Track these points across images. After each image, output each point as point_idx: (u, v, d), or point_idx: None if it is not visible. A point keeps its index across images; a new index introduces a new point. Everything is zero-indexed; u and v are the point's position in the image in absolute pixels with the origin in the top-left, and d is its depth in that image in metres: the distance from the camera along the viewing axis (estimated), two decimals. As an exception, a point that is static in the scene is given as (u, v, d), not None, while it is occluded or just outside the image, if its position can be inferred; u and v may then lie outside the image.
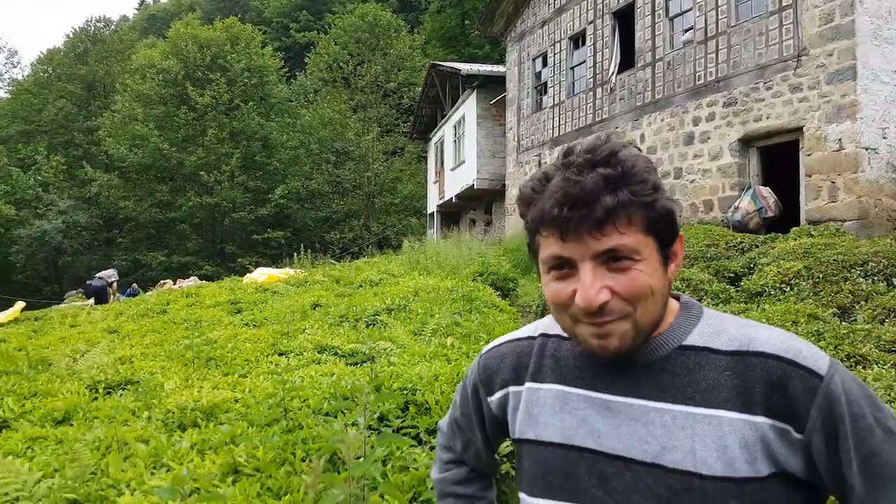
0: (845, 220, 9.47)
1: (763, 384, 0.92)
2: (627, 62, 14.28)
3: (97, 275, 18.86)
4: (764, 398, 0.91)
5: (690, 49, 12.52)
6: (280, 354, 6.60)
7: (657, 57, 13.38)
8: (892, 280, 6.27)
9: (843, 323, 5.45)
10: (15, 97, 41.29)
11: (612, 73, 14.46)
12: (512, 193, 19.20)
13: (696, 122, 12.39)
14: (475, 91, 21.17)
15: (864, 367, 4.36)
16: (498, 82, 20.51)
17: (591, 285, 0.92)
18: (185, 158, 33.03)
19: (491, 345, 1.25)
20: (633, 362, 1.01)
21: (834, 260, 6.73)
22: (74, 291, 21.78)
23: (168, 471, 3.69)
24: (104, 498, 3.39)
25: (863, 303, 5.90)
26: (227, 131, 33.61)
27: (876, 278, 6.32)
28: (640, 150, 0.99)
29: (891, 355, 4.50)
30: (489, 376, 1.19)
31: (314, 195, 35.99)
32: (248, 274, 16.55)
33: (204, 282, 18.85)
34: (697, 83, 12.38)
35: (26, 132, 39.45)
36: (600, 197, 0.90)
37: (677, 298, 1.08)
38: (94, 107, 40.01)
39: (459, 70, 21.75)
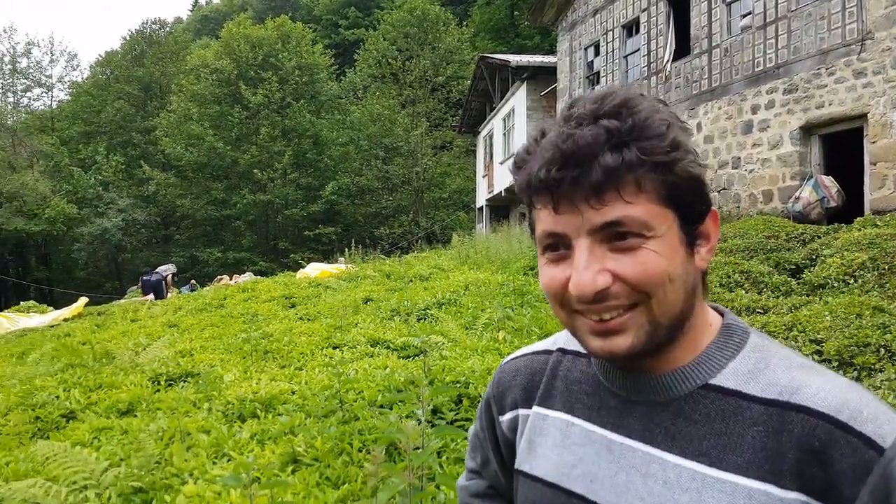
0: (913, 209, 9.07)
1: (800, 449, 0.70)
2: (683, 50, 13.95)
3: (154, 270, 19.42)
4: (799, 468, 0.70)
5: (749, 35, 12.15)
6: (334, 348, 6.69)
7: (714, 44, 13.03)
8: (967, 271, 5.96)
9: None
10: (75, 99, 42.83)
11: (667, 61, 14.14)
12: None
13: (754, 109, 12.03)
14: (525, 83, 21.00)
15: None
16: (548, 73, 20.29)
17: (585, 266, 0.73)
18: (238, 157, 33.75)
19: (510, 356, 1.07)
20: (649, 391, 0.82)
21: None
22: (135, 287, 22.48)
23: (229, 460, 3.76)
24: (168, 486, 3.48)
25: (935, 295, 5.63)
26: (280, 129, 34.19)
27: (949, 269, 6.03)
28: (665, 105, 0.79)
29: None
30: (501, 393, 1.03)
31: (364, 191, 36.35)
32: (300, 269, 16.83)
33: (259, 277, 19.23)
34: (756, 70, 12.00)
35: (87, 133, 40.90)
36: (599, 154, 0.71)
37: (721, 314, 0.87)
38: (150, 107, 41.21)
39: (509, 62, 21.60)
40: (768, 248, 8.26)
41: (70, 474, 3.43)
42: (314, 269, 15.70)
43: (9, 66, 39.43)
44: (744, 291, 6.41)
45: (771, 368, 0.78)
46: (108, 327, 10.66)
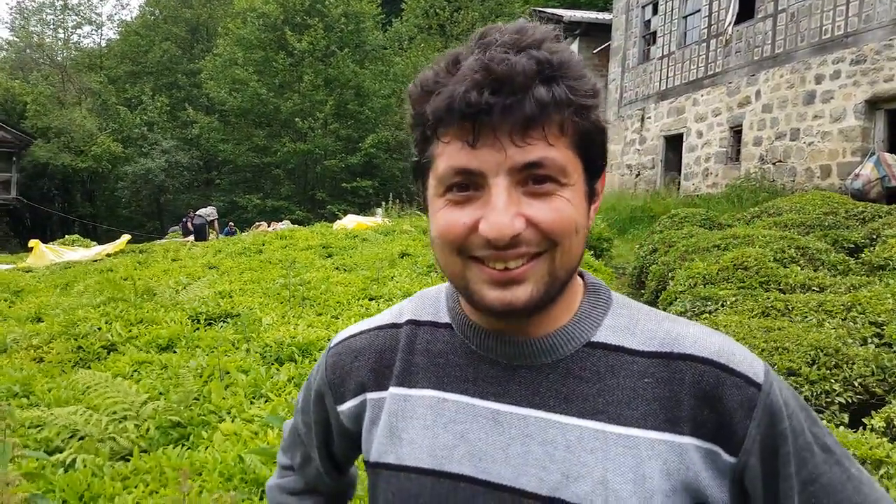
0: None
1: (692, 395, 0.71)
2: (746, 12, 13.37)
3: (197, 213, 19.62)
4: (692, 413, 0.71)
5: (818, 0, 11.54)
6: (370, 299, 6.66)
7: (780, 8, 12.44)
8: None
9: None
10: (124, 38, 43.02)
11: (729, 24, 13.57)
12: (610, 149, 18.38)
13: (818, 80, 11.51)
14: (577, 39, 20.43)
15: None
16: (602, 30, 19.69)
17: (504, 209, 0.67)
18: (281, 104, 33.66)
19: (341, 335, 0.93)
20: (533, 354, 0.76)
21: None
22: (176, 227, 22.81)
23: (266, 401, 3.74)
24: (206, 423, 3.47)
25: None
26: (322, 78, 33.93)
27: None
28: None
29: None
30: (339, 378, 0.89)
31: (403, 146, 36.09)
32: (337, 220, 16.85)
33: (296, 226, 19.34)
34: (823, 38, 11.46)
35: (133, 73, 41.15)
36: (532, 86, 0.65)
37: (581, 276, 0.83)
38: (197, 50, 41.23)
39: (562, 17, 20.97)
40: (826, 224, 7.97)
41: (110, 404, 3.44)
42: (351, 221, 15.71)
43: (60, 2, 39.72)
44: (799, 268, 6.20)
45: (643, 322, 0.78)
46: (149, 265, 10.81)
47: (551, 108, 0.66)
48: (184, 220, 19.39)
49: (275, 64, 33.73)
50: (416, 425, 0.80)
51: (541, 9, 24.45)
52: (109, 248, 13.86)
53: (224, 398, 3.70)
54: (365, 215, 18.91)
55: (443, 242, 0.72)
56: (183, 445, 3.25)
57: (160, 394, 3.80)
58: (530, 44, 0.67)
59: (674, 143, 15.76)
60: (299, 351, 4.64)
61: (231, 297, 6.77)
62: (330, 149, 33.88)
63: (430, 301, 0.89)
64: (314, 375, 0.95)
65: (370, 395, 0.86)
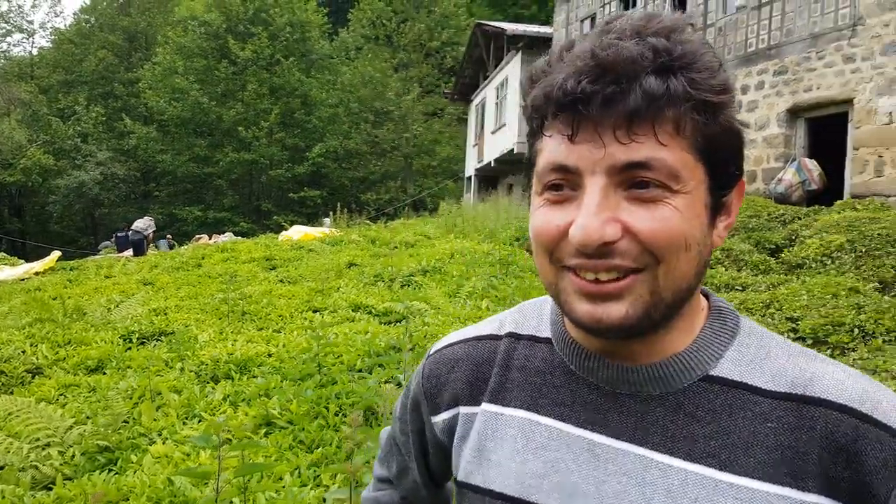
0: (890, 195, 9.21)
1: (824, 447, 0.62)
2: (679, 26, 13.81)
3: (133, 227, 19.05)
4: (822, 468, 0.62)
5: (743, 14, 12.08)
6: (314, 311, 6.59)
7: (709, 22, 12.94)
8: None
9: (885, 297, 5.36)
10: (57, 47, 41.53)
11: (663, 37, 14.00)
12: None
13: (744, 90, 12.01)
14: (520, 52, 20.68)
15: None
16: (544, 44, 19.96)
17: (596, 212, 0.60)
18: (223, 113, 33.08)
19: (441, 343, 0.88)
20: (640, 382, 0.68)
21: (878, 234, 6.69)
22: (108, 242, 22.11)
23: (200, 421, 3.65)
24: (136, 446, 3.36)
25: (905, 278, 5.83)
26: (267, 87, 33.52)
27: (920, 253, 6.20)
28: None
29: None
30: (435, 388, 0.84)
31: (352, 155, 35.90)
32: (283, 231, 16.63)
33: (239, 238, 18.99)
34: (748, 50, 11.98)
35: (67, 82, 39.73)
36: (642, 75, 0.58)
37: (706, 297, 0.75)
38: (135, 58, 40.18)
39: (505, 30, 21.21)
40: (750, 226, 8.39)
41: (33, 431, 3.30)
42: (297, 232, 15.50)
43: (-11, 10, 38.26)
44: (723, 268, 6.51)
45: (773, 357, 0.68)
46: (80, 283, 10.43)
47: (663, 102, 0.59)
48: (119, 234, 18.78)
49: (217, 73, 33.19)
50: (506, 447, 0.74)
51: (484, 22, 24.74)
52: (38, 265, 13.30)
53: (155, 420, 3.60)
54: (313, 226, 18.71)
55: (536, 245, 0.67)
56: (110, 471, 3.14)
57: (87, 418, 3.67)
58: (654, 31, 0.60)
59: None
60: (237, 368, 4.55)
61: (166, 314, 6.59)
62: (276, 158, 33.45)
63: (533, 313, 0.83)
64: (412, 383, 0.90)
65: (463, 409, 0.81)
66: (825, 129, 10.94)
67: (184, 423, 3.64)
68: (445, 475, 0.92)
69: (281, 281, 8.73)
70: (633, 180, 0.60)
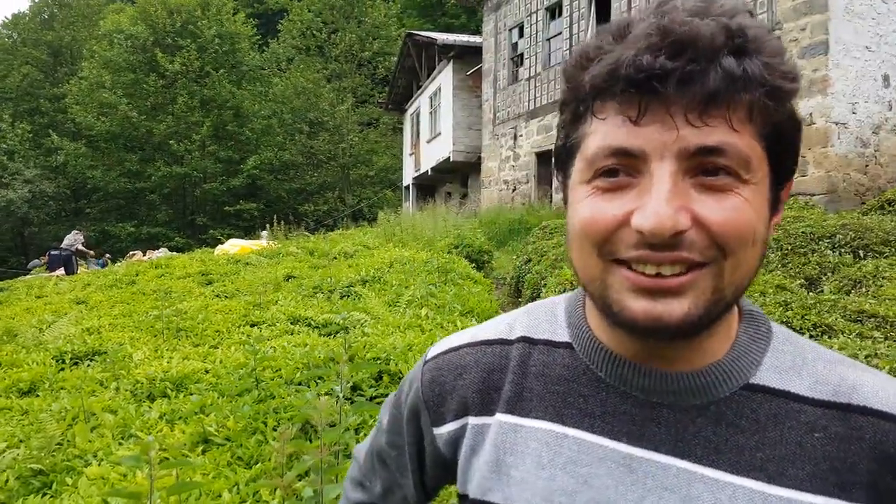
0: (814, 194, 9.58)
1: (873, 458, 0.60)
2: (604, 35, 14.22)
3: (62, 244, 18.46)
4: (872, 479, 0.59)
5: (668, 21, 12.53)
6: (252, 325, 6.57)
7: (631, 30, 13.38)
8: (858, 252, 6.40)
9: (811, 294, 5.55)
10: (-23, 63, 40.05)
11: (588, 46, 14.39)
12: (488, 166, 19.15)
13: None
14: (451, 62, 20.96)
15: (829, 337, 4.46)
16: (474, 53, 20.32)
17: (668, 198, 0.55)
18: (154, 127, 32.37)
19: (439, 347, 0.82)
20: (680, 391, 0.65)
21: (802, 232, 6.85)
22: (38, 261, 21.35)
23: (136, 441, 3.65)
24: (70, 468, 3.36)
25: (829, 274, 6.04)
26: (198, 99, 32.96)
27: (843, 250, 6.46)
28: None
29: (855, 325, 4.62)
30: (438, 396, 0.77)
31: (287, 166, 35.58)
32: (219, 245, 16.40)
33: (174, 253, 18.62)
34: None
35: (-10, 98, 38.35)
36: (721, 55, 0.55)
37: None
38: (60, 73, 38.94)
39: (435, 40, 21.47)
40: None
41: (-38, 457, 3.26)
42: (234, 246, 15.32)
43: None
44: None
45: (810, 364, 0.66)
46: (10, 303, 10.11)
47: (741, 85, 0.55)
48: (52, 252, 18.16)
49: (145, 86, 32.48)
50: (529, 462, 0.68)
51: (415, 32, 24.96)
52: (-36, 288, 12.83)
53: (90, 441, 3.59)
54: (249, 239, 18.51)
55: (583, 238, 0.61)
56: (45, 494, 3.13)
57: (20, 441, 3.63)
58: (720, 12, 0.57)
59: (545, 159, 16.46)
60: (172, 385, 4.54)
61: (100, 333, 6.49)
62: (209, 171, 32.90)
63: (545, 316, 0.78)
64: (405, 391, 0.82)
65: (472, 420, 0.74)
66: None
67: (120, 444, 3.64)
68: (436, 492, 0.85)
69: (217, 296, 8.66)
70: (703, 167, 0.57)
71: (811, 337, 4.67)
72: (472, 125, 20.68)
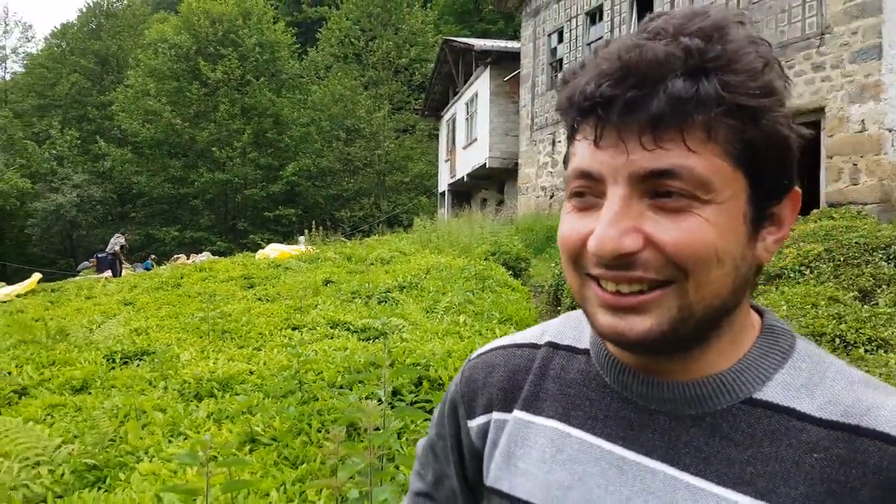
0: (866, 203, 9.29)
1: (876, 484, 0.56)
2: (645, 40, 14.09)
3: (107, 248, 18.98)
4: None
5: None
6: (293, 329, 6.67)
7: (676, 34, 13.21)
8: (913, 263, 6.22)
9: (865, 306, 5.39)
10: (29, 71, 41.55)
11: (629, 51, 14.27)
12: (525, 172, 19.11)
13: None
14: (488, 68, 20.98)
15: (886, 352, 4.33)
16: (512, 59, 20.32)
17: (614, 221, 0.57)
18: (196, 134, 33.11)
19: (484, 348, 0.88)
20: (676, 400, 0.65)
21: (855, 243, 6.64)
22: (87, 263, 21.95)
23: (185, 439, 3.74)
24: (123, 464, 3.45)
25: (884, 287, 5.85)
26: (239, 107, 33.59)
27: (898, 262, 6.27)
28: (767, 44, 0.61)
29: (912, 339, 4.48)
30: (472, 391, 0.83)
31: (325, 173, 35.99)
32: (260, 250, 16.67)
33: (217, 257, 18.98)
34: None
35: (41, 106, 39.64)
36: (668, 77, 0.55)
37: (760, 314, 0.71)
38: (107, 81, 40.10)
39: (472, 46, 21.52)
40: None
41: (22, 450, 3.38)
42: (274, 250, 15.57)
43: (-40, 36, 37.93)
44: None
45: (828, 382, 0.63)
46: (62, 304, 10.43)
47: (691, 107, 0.55)
48: (99, 255, 18.69)
49: (189, 94, 33.22)
50: (534, 456, 0.72)
51: (452, 38, 25.06)
52: (19, 288, 13.27)
53: (141, 438, 3.68)
54: (288, 244, 18.77)
55: (562, 253, 0.64)
56: (99, 488, 3.22)
57: (75, 437, 3.74)
58: (693, 31, 0.57)
59: (585, 165, 16.38)
60: (219, 386, 4.63)
61: (147, 333, 6.65)
62: (250, 178, 33.47)
63: (575, 323, 0.80)
64: (451, 388, 0.87)
65: (496, 415, 0.79)
66: (798, 139, 11.22)
67: (169, 441, 3.73)
68: (480, 484, 0.84)
69: (259, 299, 8.80)
70: (658, 189, 0.57)
71: (866, 351, 4.53)
72: (508, 131, 20.65)
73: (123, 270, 17.62)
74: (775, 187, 0.62)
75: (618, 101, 0.56)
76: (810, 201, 10.33)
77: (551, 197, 17.65)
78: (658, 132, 0.56)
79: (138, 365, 5.50)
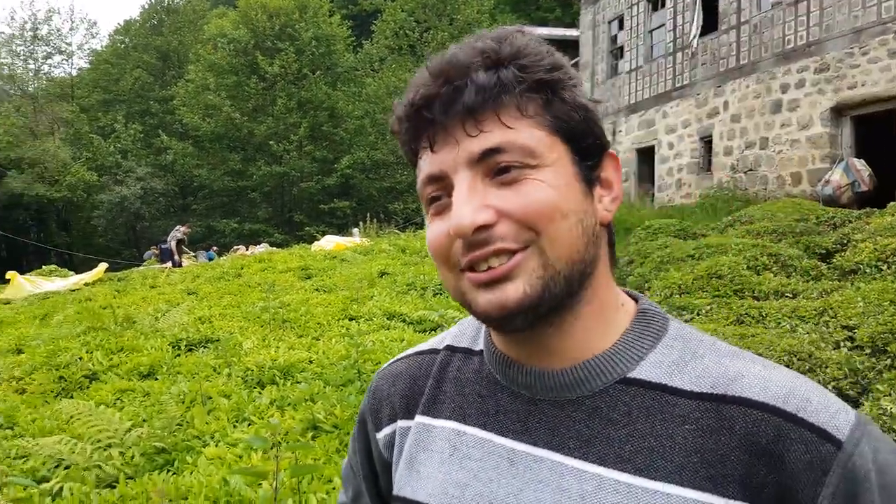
0: None
1: (744, 449, 0.59)
2: (710, 25, 13.66)
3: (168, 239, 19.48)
4: (744, 472, 0.58)
5: (779, 11, 11.89)
6: (350, 319, 6.71)
7: (743, 19, 12.76)
8: None
9: None
10: (95, 67, 42.95)
11: (694, 37, 13.86)
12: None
13: (784, 89, 11.80)
14: (545, 57, 20.72)
15: None
16: (570, 47, 20.00)
17: (465, 200, 0.61)
18: (255, 128, 33.73)
19: (391, 360, 0.89)
20: (558, 387, 0.67)
21: None
22: (151, 252, 22.61)
23: (249, 424, 3.79)
24: (190, 448, 3.51)
25: None
26: (296, 101, 34.07)
27: None
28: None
29: None
30: (378, 403, 0.83)
31: (379, 165, 36.21)
32: (315, 242, 16.88)
33: (274, 248, 19.32)
34: (786, 48, 11.75)
35: (106, 101, 41.04)
36: (472, 72, 0.62)
37: (636, 300, 0.74)
38: (168, 76, 41.21)
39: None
40: (797, 231, 8.08)
41: (94, 433, 3.47)
42: (329, 242, 15.74)
43: (30, 33, 39.43)
44: (772, 275, 6.29)
45: (699, 358, 0.65)
46: (128, 293, 10.76)
47: (497, 91, 0.61)
48: (163, 246, 19.21)
49: (247, 88, 33.83)
50: (434, 458, 0.73)
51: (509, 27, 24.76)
52: (87, 277, 13.75)
53: (207, 423, 3.74)
54: (343, 236, 18.96)
55: (433, 257, 0.67)
56: (168, 471, 3.28)
57: (143, 421, 3.83)
58: (484, 41, 0.64)
59: (646, 156, 16.02)
60: (280, 373, 4.69)
61: (211, 322, 6.79)
62: (306, 171, 33.93)
63: (473, 327, 0.82)
64: (364, 400, 0.88)
65: (400, 424, 0.80)
66: (873, 128, 10.59)
67: (234, 427, 3.78)
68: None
69: (317, 290, 8.90)
70: (495, 167, 0.62)
71: None
72: (566, 122, 20.33)
73: (185, 261, 18.05)
74: (592, 147, 0.67)
75: (437, 99, 0.62)
76: (887, 193, 9.88)
77: (609, 188, 17.32)
78: (476, 118, 0.62)
79: (203, 352, 5.61)
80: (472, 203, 0.61)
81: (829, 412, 0.58)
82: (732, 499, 0.58)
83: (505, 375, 0.72)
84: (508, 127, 0.62)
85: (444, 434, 0.74)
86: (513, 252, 0.62)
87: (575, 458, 0.64)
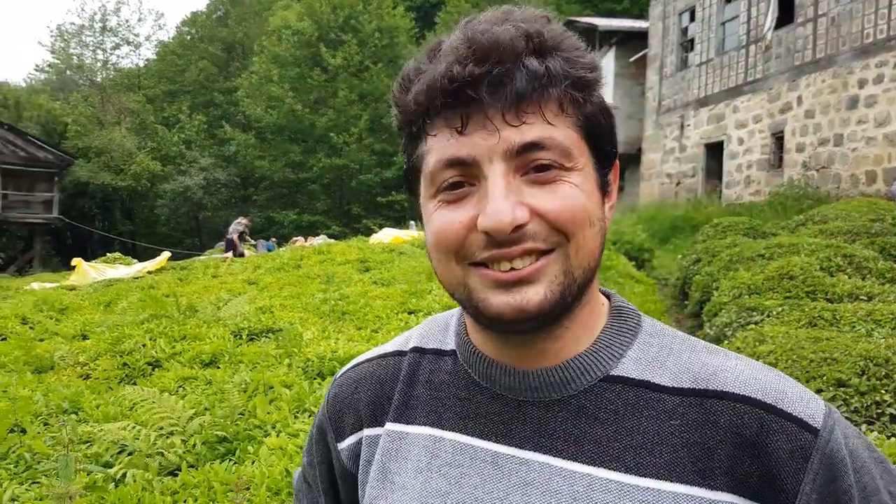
0: None
1: (729, 442, 0.60)
2: (786, 17, 13.15)
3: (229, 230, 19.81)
4: (730, 464, 0.59)
5: (858, 4, 11.35)
6: (409, 313, 6.65)
7: (820, 12, 12.21)
8: None
9: None
10: (161, 58, 44.15)
11: (768, 30, 13.34)
12: (649, 158, 18.39)
13: (861, 84, 11.25)
14: (613, 48, 20.30)
15: None
16: (638, 39, 19.54)
17: (504, 195, 0.58)
18: (316, 120, 34.13)
19: (349, 364, 0.84)
20: (543, 388, 0.65)
21: None
22: (221, 243, 23.13)
23: (310, 416, 3.73)
24: (252, 437, 3.47)
25: None
26: (357, 93, 34.33)
27: None
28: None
29: None
30: (339, 412, 0.78)
31: (437, 159, 36.30)
32: (373, 234, 16.94)
33: (332, 240, 19.48)
34: (865, 41, 11.23)
35: (171, 92, 42.15)
36: (524, 56, 0.58)
37: (608, 297, 0.73)
38: (233, 68, 42.08)
39: (597, 26, 20.85)
40: (873, 231, 7.72)
41: (157, 420, 3.47)
42: (387, 235, 15.77)
43: (99, 24, 40.75)
44: (846, 276, 6.02)
45: (676, 354, 0.66)
46: (190, 282, 10.96)
47: (546, 81, 0.59)
48: (229, 237, 19.62)
49: (310, 80, 34.24)
50: (409, 468, 0.70)
51: (575, 18, 24.39)
52: (151, 265, 14.08)
53: (269, 413, 3.70)
54: (400, 229, 18.98)
55: (439, 248, 0.63)
56: (230, 460, 3.25)
57: (205, 409, 3.82)
58: (518, 19, 0.61)
59: (714, 151, 15.52)
60: (340, 365, 4.62)
61: (272, 312, 6.82)
62: (365, 163, 34.17)
63: (439, 326, 0.79)
64: (321, 409, 0.84)
65: (367, 432, 0.76)
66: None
67: (295, 417, 3.74)
68: None
69: (375, 283, 8.88)
70: (531, 164, 0.60)
71: None
72: (632, 114, 19.86)
73: (246, 251, 18.33)
74: (609, 154, 0.66)
75: (484, 79, 0.57)
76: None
77: (677, 184, 16.86)
78: (521, 108, 0.58)
79: (264, 342, 5.61)
80: (510, 199, 0.58)
81: (804, 402, 0.60)
82: (720, 490, 0.59)
83: (485, 377, 0.70)
84: (549, 123, 0.60)
85: (419, 441, 0.71)
86: (540, 253, 0.60)
87: (563, 458, 0.63)
